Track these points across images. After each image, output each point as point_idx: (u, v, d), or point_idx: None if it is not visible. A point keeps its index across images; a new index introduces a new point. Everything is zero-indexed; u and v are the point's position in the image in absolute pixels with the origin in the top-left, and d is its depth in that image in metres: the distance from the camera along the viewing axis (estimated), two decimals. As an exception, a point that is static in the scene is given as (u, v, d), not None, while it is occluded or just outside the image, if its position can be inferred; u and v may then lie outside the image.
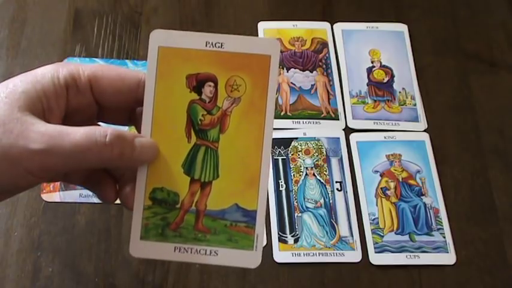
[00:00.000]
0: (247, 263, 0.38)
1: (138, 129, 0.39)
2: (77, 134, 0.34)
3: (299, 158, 0.62)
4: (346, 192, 0.60)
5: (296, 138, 0.62)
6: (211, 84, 0.38)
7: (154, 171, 0.38)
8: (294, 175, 0.61)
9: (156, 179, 0.38)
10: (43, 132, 0.33)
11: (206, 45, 0.37)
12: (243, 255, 0.38)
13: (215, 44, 0.37)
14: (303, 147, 0.62)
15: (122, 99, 0.38)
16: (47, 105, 0.35)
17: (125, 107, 0.40)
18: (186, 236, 0.38)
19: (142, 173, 0.38)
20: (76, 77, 0.37)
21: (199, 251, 0.38)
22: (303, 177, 0.61)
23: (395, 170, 0.62)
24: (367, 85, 0.67)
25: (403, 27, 0.70)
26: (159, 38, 0.38)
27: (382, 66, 0.68)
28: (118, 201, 0.57)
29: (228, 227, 0.38)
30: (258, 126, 0.38)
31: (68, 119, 0.37)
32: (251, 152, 0.38)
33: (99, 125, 0.40)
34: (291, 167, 0.61)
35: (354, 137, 0.63)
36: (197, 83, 0.38)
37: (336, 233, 0.58)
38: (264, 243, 0.56)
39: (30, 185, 0.36)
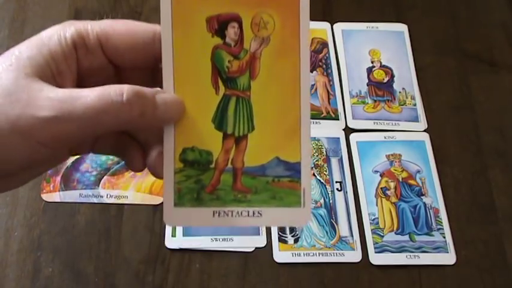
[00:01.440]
0: (296, 221, 0.35)
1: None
2: (90, 95, 0.30)
3: (299, 158, 0.61)
4: (346, 192, 0.60)
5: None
6: (235, 24, 0.33)
7: (182, 130, 0.34)
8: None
9: (185, 138, 0.34)
10: (52, 98, 0.30)
11: None
12: (290, 213, 0.34)
13: None
14: (303, 147, 0.62)
15: (137, 56, 0.34)
16: (56, 69, 0.32)
17: (143, 65, 0.35)
18: (224, 199, 0.34)
19: (169, 134, 0.34)
20: (84, 35, 0.33)
21: (241, 213, 0.34)
22: (303, 177, 0.60)
23: (395, 170, 0.62)
24: (367, 85, 0.67)
25: (403, 27, 0.70)
26: None
27: (382, 66, 0.68)
28: (119, 201, 0.56)
29: (271, 184, 0.34)
30: (293, 68, 0.34)
31: (83, 82, 0.34)
32: (288, 98, 0.34)
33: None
34: (291, 167, 0.61)
35: (354, 137, 0.63)
36: (219, 26, 0.33)
37: (336, 233, 0.58)
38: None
39: (44, 158, 0.32)
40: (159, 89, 0.34)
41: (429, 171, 0.62)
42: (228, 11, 0.33)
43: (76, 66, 0.34)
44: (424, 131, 0.64)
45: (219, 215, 0.34)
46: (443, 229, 0.59)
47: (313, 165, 0.61)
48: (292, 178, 0.34)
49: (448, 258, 0.57)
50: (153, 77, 0.37)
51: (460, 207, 0.60)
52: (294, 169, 0.34)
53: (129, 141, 0.36)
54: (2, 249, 0.55)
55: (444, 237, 0.58)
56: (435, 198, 0.60)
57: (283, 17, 0.33)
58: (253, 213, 0.34)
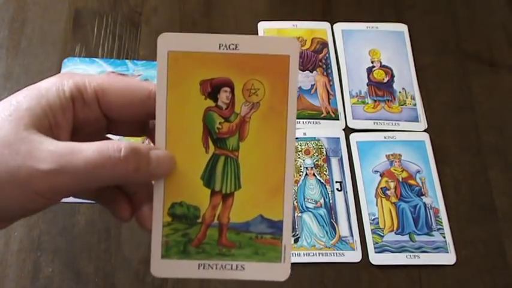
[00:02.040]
0: (276, 276, 0.37)
1: (153, 141, 0.36)
2: (89, 150, 0.32)
3: (299, 158, 0.62)
4: (346, 192, 0.60)
5: (296, 138, 0.62)
6: (228, 89, 0.35)
7: (172, 185, 0.36)
8: (294, 175, 0.60)
9: (174, 193, 0.36)
10: (52, 151, 0.31)
11: (220, 48, 0.35)
12: (270, 268, 0.36)
13: (229, 46, 0.35)
14: (303, 147, 0.62)
15: (131, 112, 0.36)
16: (53, 121, 0.33)
17: (135, 119, 0.37)
18: (209, 252, 0.36)
19: (159, 188, 0.36)
20: (82, 89, 0.35)
21: (225, 267, 0.36)
22: (303, 177, 0.61)
23: (395, 170, 0.62)
24: (367, 85, 0.67)
25: (403, 27, 0.70)
26: (168, 42, 0.35)
27: (382, 66, 0.68)
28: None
29: (254, 240, 0.36)
30: (280, 132, 0.36)
31: (76, 133, 0.35)
32: (274, 160, 0.36)
33: (110, 139, 0.37)
34: (291, 167, 0.61)
35: (354, 137, 0.63)
36: (212, 89, 0.35)
37: (336, 233, 0.58)
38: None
39: (39, 208, 0.34)
40: (152, 145, 0.36)
41: (429, 171, 0.62)
42: (221, 75, 0.35)
43: (72, 118, 0.35)
44: (424, 131, 0.64)
45: (204, 267, 0.36)
46: (443, 229, 0.59)
47: (313, 165, 0.61)
48: (274, 235, 0.36)
49: (448, 258, 0.57)
50: (143, 128, 0.38)
51: (460, 207, 0.60)
52: (276, 227, 0.36)
53: (116, 192, 0.37)
54: (2, 249, 0.55)
55: (444, 237, 0.58)
56: (435, 198, 0.60)
57: (273, 85, 0.35)
58: (237, 266, 0.36)
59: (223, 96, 0.36)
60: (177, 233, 0.36)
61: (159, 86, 0.35)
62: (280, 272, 0.37)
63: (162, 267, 0.36)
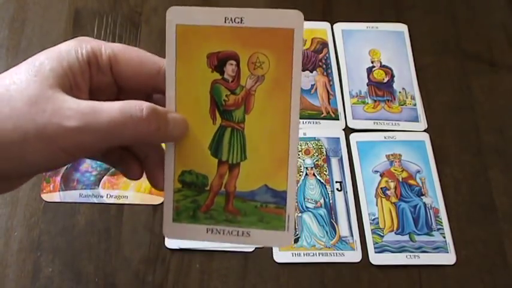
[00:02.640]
0: (279, 243, 0.38)
1: None
2: (112, 109, 0.33)
3: (299, 158, 0.62)
4: (346, 192, 0.60)
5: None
6: (233, 62, 0.36)
7: (182, 154, 0.37)
8: (298, 147, 0.60)
9: (184, 161, 0.37)
10: (76, 109, 0.33)
11: (225, 21, 0.36)
12: (275, 236, 0.38)
13: (234, 19, 0.36)
14: (303, 147, 0.62)
15: (140, 83, 0.37)
16: (74, 82, 0.35)
17: (143, 91, 0.39)
18: (217, 218, 0.38)
19: (170, 156, 0.37)
20: (98, 54, 0.36)
21: (232, 232, 0.38)
22: (303, 177, 0.61)
23: (395, 170, 0.62)
24: (367, 85, 0.67)
25: (403, 27, 0.70)
26: (177, 16, 0.36)
27: (382, 66, 0.68)
28: (119, 201, 0.56)
29: (259, 208, 0.38)
30: (284, 105, 0.36)
31: (92, 98, 0.36)
32: (278, 132, 0.37)
33: None
34: (291, 167, 0.61)
35: (354, 137, 0.63)
36: (218, 62, 0.36)
37: (336, 233, 0.58)
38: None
39: (62, 163, 0.35)
40: (167, 108, 0.37)
41: (429, 171, 0.62)
42: (227, 49, 0.36)
43: (89, 81, 0.36)
44: (424, 131, 0.64)
45: (212, 232, 0.38)
46: (443, 229, 0.59)
47: (313, 165, 0.61)
48: (278, 205, 0.38)
49: (448, 258, 0.57)
50: (148, 100, 0.39)
51: (460, 207, 0.60)
52: (280, 196, 0.38)
53: (127, 153, 0.39)
54: (2, 249, 0.55)
55: (444, 237, 0.58)
56: (435, 198, 0.60)
57: (277, 59, 0.36)
58: (242, 233, 0.38)
59: (229, 69, 0.36)
60: (186, 199, 0.38)
61: (168, 59, 0.36)
62: (283, 239, 0.38)
63: (173, 230, 0.38)
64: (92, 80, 0.36)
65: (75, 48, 0.35)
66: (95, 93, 0.37)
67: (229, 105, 0.37)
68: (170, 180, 0.38)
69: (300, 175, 0.61)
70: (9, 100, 0.32)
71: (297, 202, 0.59)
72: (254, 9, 0.36)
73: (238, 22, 0.36)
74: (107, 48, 0.36)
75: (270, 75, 0.36)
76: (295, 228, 0.58)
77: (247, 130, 0.37)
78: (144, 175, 0.40)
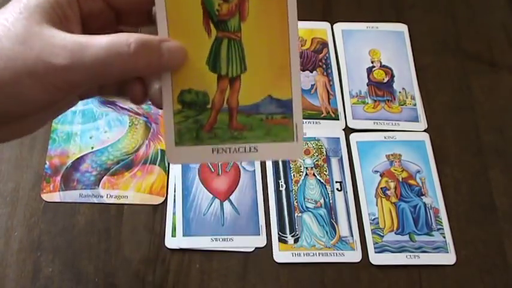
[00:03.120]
0: (289, 154, 0.37)
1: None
2: (98, 46, 0.32)
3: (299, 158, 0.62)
4: (346, 192, 0.60)
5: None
6: None
7: (179, 73, 0.35)
8: (294, 175, 0.61)
9: (181, 81, 0.35)
10: (64, 45, 0.32)
11: None
12: (283, 148, 0.36)
13: None
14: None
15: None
16: (62, 14, 0.34)
17: (140, 7, 0.37)
18: (222, 136, 0.36)
19: (167, 77, 0.35)
20: None
21: (238, 149, 0.36)
22: (303, 177, 0.61)
23: (395, 170, 0.62)
24: (367, 85, 0.67)
25: (403, 27, 0.70)
26: None
27: (382, 66, 0.68)
28: (119, 201, 0.56)
29: (264, 121, 0.36)
30: (281, 9, 0.35)
31: (86, 27, 0.36)
32: (277, 38, 0.35)
33: (122, 31, 0.36)
34: (291, 167, 0.61)
35: (354, 137, 0.63)
36: None
37: (336, 233, 0.58)
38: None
39: (60, 97, 0.34)
40: (164, 37, 0.35)
41: (429, 171, 0.62)
42: None
43: (79, 10, 0.35)
44: (424, 131, 0.64)
45: (218, 152, 0.36)
46: (443, 229, 0.59)
47: (313, 165, 0.61)
48: (284, 115, 0.36)
49: (448, 258, 0.57)
50: (149, 18, 0.38)
51: (460, 207, 0.60)
52: (286, 106, 0.36)
53: (133, 78, 0.37)
54: (2, 249, 0.55)
55: (444, 237, 0.58)
56: (435, 198, 0.60)
57: None
58: (250, 148, 0.36)
59: None
60: (188, 120, 0.36)
61: None
62: (293, 150, 0.37)
63: (177, 155, 0.36)
64: (81, 9, 0.35)
65: None
66: (89, 22, 0.36)
67: (223, 15, 0.35)
68: (169, 102, 0.36)
69: (300, 175, 0.61)
70: None
71: (297, 202, 0.59)
72: None
73: None
74: None
75: None
76: (295, 229, 0.58)
77: (244, 39, 0.35)
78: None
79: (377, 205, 0.60)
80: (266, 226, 0.57)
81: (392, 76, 0.67)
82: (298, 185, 0.60)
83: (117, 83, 0.38)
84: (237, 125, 0.36)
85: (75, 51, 0.32)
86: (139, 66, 0.33)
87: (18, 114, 0.34)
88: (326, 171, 0.61)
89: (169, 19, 0.35)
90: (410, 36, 0.70)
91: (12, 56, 0.32)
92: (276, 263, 0.56)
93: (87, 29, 0.36)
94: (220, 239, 0.56)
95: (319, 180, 0.61)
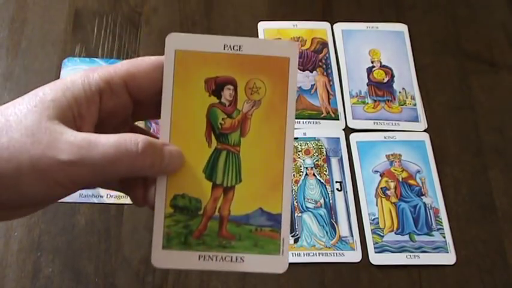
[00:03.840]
0: (274, 268, 0.38)
1: None
2: (107, 144, 0.33)
3: (299, 158, 0.62)
4: (346, 192, 0.60)
5: (296, 138, 0.62)
6: (231, 87, 0.37)
7: (175, 178, 0.37)
8: (294, 175, 0.61)
9: (177, 185, 0.37)
10: (72, 142, 0.32)
11: (224, 48, 0.37)
12: (269, 261, 0.37)
13: (233, 47, 0.37)
14: (303, 147, 0.62)
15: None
16: (77, 113, 0.34)
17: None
18: (210, 244, 0.37)
19: (162, 180, 0.37)
20: (109, 79, 0.36)
21: (225, 258, 0.37)
22: (303, 177, 0.61)
23: (395, 170, 0.62)
24: (367, 85, 0.67)
25: (403, 27, 0.70)
26: (176, 42, 0.37)
27: (382, 66, 0.68)
28: (119, 201, 0.56)
29: (253, 232, 0.37)
30: (279, 129, 0.37)
31: (103, 124, 0.36)
32: (273, 155, 0.37)
33: (136, 131, 0.38)
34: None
35: (354, 137, 0.63)
36: (216, 87, 0.37)
37: (336, 233, 0.58)
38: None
39: (61, 196, 0.35)
40: (165, 141, 0.37)
41: (429, 171, 0.62)
42: (225, 74, 0.37)
43: (97, 110, 0.36)
44: (424, 131, 0.64)
45: (204, 259, 0.37)
46: (443, 229, 0.59)
47: (313, 165, 0.61)
48: (273, 228, 0.37)
49: (448, 258, 0.57)
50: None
51: (460, 207, 0.60)
52: (275, 220, 0.37)
53: (135, 179, 0.38)
54: (2, 249, 0.55)
55: (444, 237, 0.58)
56: (435, 198, 0.60)
57: (273, 85, 0.37)
58: (236, 258, 0.37)
59: (227, 93, 0.37)
60: (178, 225, 0.37)
61: (165, 83, 0.37)
62: (278, 264, 0.37)
63: (163, 258, 0.37)
64: (104, 107, 0.36)
65: (81, 78, 0.35)
66: (108, 120, 0.37)
67: (226, 129, 0.37)
68: (161, 204, 0.37)
69: (300, 175, 0.61)
70: (8, 130, 0.32)
71: (297, 202, 0.59)
72: (252, 38, 0.37)
73: (237, 50, 0.37)
74: (117, 69, 0.36)
75: (266, 100, 0.37)
76: (295, 229, 0.58)
77: (242, 153, 0.37)
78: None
79: (377, 205, 0.60)
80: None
81: (392, 76, 0.67)
82: (298, 185, 0.60)
83: (119, 182, 0.38)
84: (227, 233, 0.37)
85: (83, 147, 0.32)
86: (146, 165, 0.34)
87: (14, 204, 0.34)
88: (326, 171, 0.61)
89: (173, 125, 0.37)
90: (410, 36, 0.70)
91: (19, 147, 0.32)
92: (276, 263, 0.56)
93: (102, 126, 0.36)
94: (220, 239, 0.56)
95: (319, 180, 0.61)
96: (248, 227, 0.37)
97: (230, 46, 0.37)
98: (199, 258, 0.37)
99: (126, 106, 0.37)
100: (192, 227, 0.37)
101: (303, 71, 0.67)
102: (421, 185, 0.61)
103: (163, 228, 0.37)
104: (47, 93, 0.34)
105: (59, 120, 0.33)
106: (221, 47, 0.37)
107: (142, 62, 0.37)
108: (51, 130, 0.32)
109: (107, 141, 0.33)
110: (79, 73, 0.36)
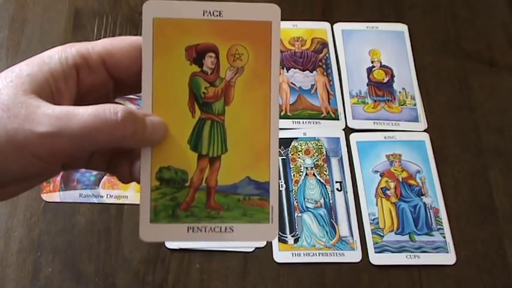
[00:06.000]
0: (264, 236, 0.37)
1: None
2: (85, 113, 0.32)
3: (299, 158, 0.62)
4: (346, 192, 0.60)
5: (296, 138, 0.63)
6: (213, 54, 0.36)
7: (160, 150, 0.36)
8: (294, 175, 0.61)
9: (161, 158, 0.36)
10: (50, 115, 0.32)
11: (204, 14, 0.36)
12: (259, 229, 0.37)
13: (213, 13, 0.36)
14: (303, 147, 0.62)
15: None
16: (55, 87, 0.34)
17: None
18: (198, 215, 0.36)
19: (147, 153, 0.36)
20: (86, 55, 0.35)
21: (214, 229, 0.36)
22: (303, 177, 0.61)
23: (395, 170, 0.62)
24: (367, 85, 0.67)
25: (403, 27, 0.70)
26: (154, 9, 0.36)
27: (382, 66, 0.68)
28: (119, 201, 0.56)
29: (242, 202, 0.37)
30: (264, 96, 0.37)
31: (83, 100, 0.36)
32: (258, 123, 0.37)
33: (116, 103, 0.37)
34: (291, 167, 0.61)
35: (354, 137, 0.63)
36: (197, 55, 0.36)
37: (336, 233, 0.58)
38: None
39: (39, 171, 0.34)
40: (147, 111, 0.36)
41: (429, 171, 0.62)
42: (206, 41, 0.36)
43: (76, 85, 0.35)
44: (424, 131, 0.64)
45: (193, 231, 0.36)
46: (443, 229, 0.59)
47: (313, 165, 0.61)
48: (261, 196, 0.37)
49: (448, 258, 0.57)
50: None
51: (460, 207, 0.60)
52: (263, 188, 0.37)
53: (122, 155, 0.37)
54: (2, 249, 0.55)
55: (444, 237, 0.58)
56: (435, 198, 0.60)
57: (256, 50, 0.36)
58: (225, 228, 0.37)
59: (208, 61, 0.36)
60: (165, 197, 0.36)
61: (144, 53, 0.36)
62: (268, 232, 0.37)
63: (151, 232, 0.36)
64: (83, 83, 0.35)
65: (58, 54, 0.35)
66: (87, 95, 0.36)
67: (209, 97, 0.36)
68: (147, 178, 0.36)
69: (300, 175, 0.61)
70: None
71: (297, 202, 0.59)
72: (232, 3, 0.36)
73: (217, 15, 0.36)
74: (95, 46, 0.36)
75: (249, 67, 0.36)
76: (295, 229, 0.58)
77: (227, 122, 0.37)
78: None
79: (377, 205, 0.60)
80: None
81: (392, 76, 0.67)
82: (298, 185, 0.60)
83: (105, 158, 0.38)
84: (215, 204, 0.37)
85: (61, 119, 0.32)
86: (127, 133, 0.33)
87: None
88: (326, 171, 0.61)
89: (154, 96, 0.36)
90: (410, 36, 0.70)
91: None
92: (276, 263, 0.56)
93: (82, 101, 0.35)
94: (220, 239, 0.56)
95: (319, 180, 0.61)
96: (236, 197, 0.37)
97: (210, 12, 0.36)
98: (188, 230, 0.36)
99: (105, 83, 0.36)
100: (179, 199, 0.36)
101: (303, 71, 0.67)
102: (421, 185, 0.61)
103: (150, 201, 0.36)
104: (23, 68, 0.34)
105: (35, 95, 0.33)
106: (200, 13, 0.36)
107: (122, 41, 0.36)
108: (27, 104, 0.32)
109: (85, 111, 0.32)
110: (57, 47, 0.35)
